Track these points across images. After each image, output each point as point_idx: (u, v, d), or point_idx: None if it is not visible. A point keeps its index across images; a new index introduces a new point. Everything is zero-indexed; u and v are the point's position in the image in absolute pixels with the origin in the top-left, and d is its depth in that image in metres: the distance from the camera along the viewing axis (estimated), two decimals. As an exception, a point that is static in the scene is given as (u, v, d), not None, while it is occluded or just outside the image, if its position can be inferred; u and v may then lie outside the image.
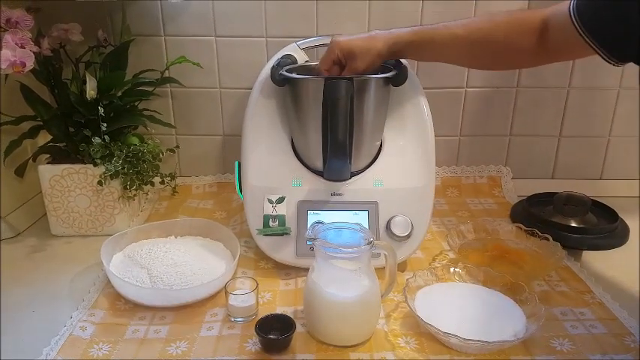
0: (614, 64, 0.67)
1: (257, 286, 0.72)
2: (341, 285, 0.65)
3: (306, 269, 0.81)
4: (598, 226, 0.94)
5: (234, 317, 0.71)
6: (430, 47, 0.78)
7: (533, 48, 0.73)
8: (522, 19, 0.74)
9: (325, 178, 0.84)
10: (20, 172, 0.95)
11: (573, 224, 0.93)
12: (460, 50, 0.78)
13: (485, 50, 0.77)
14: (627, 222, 0.96)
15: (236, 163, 0.89)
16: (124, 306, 0.75)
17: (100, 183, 0.90)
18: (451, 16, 1.01)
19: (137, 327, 0.70)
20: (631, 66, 0.67)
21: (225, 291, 0.71)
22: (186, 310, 0.74)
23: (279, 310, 0.73)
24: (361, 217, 0.83)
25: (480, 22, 0.78)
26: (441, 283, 0.76)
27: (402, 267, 0.84)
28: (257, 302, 0.72)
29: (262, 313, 0.70)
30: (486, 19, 0.77)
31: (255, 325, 0.65)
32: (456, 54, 0.80)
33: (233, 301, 0.71)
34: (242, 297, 0.71)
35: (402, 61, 0.85)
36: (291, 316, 0.68)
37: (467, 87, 1.09)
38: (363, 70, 0.78)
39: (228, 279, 0.76)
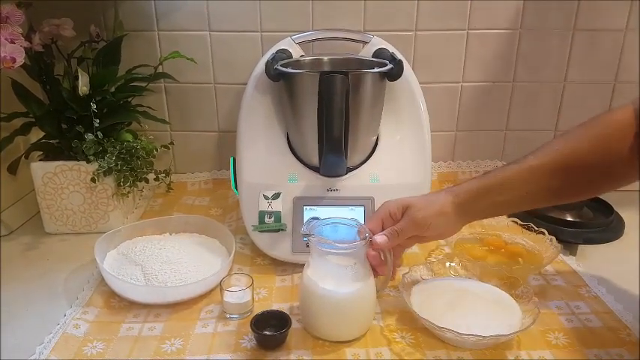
0: None
1: (252, 283, 0.71)
2: (336, 281, 0.65)
3: (302, 265, 0.81)
4: (594, 220, 0.94)
5: (230, 314, 0.71)
6: (500, 190, 0.65)
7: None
8: (610, 122, 0.61)
9: (321, 174, 0.84)
10: (13, 169, 0.94)
11: (569, 218, 0.93)
12: (539, 184, 0.63)
13: (573, 173, 0.62)
14: (622, 216, 0.96)
15: (231, 159, 0.88)
16: (118, 304, 0.74)
17: (93, 180, 0.90)
18: (447, 13, 1.02)
19: (131, 325, 0.70)
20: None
21: (220, 288, 0.71)
22: (181, 307, 0.73)
23: (274, 307, 0.72)
24: (357, 213, 0.83)
25: (556, 144, 0.64)
26: (437, 278, 0.75)
27: (398, 262, 0.83)
28: (252, 299, 0.72)
29: (258, 309, 0.69)
30: (561, 139, 0.64)
31: (251, 322, 0.65)
32: (534, 190, 0.64)
33: (228, 297, 0.70)
34: (237, 293, 0.70)
35: (398, 55, 0.84)
36: (287, 313, 0.67)
37: (463, 82, 1.08)
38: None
39: (223, 276, 0.76)
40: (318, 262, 0.67)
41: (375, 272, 0.68)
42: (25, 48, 0.79)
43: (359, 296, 0.65)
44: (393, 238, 0.66)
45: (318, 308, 0.65)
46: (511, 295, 0.71)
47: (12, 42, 0.77)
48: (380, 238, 0.66)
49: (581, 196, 0.68)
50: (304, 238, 0.77)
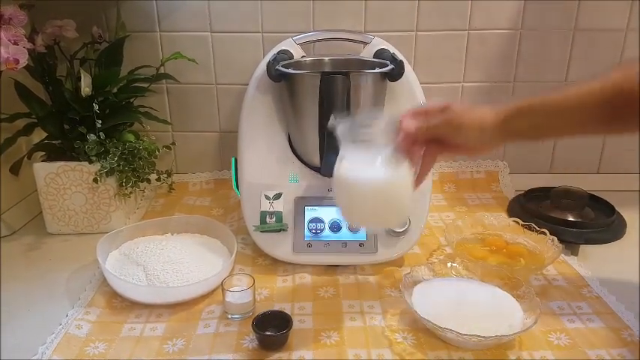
0: None
1: (254, 283, 0.71)
2: (373, 166, 0.62)
3: (303, 265, 0.82)
4: (595, 220, 0.94)
5: (231, 314, 0.71)
6: (545, 111, 0.61)
7: None
8: None
9: (322, 174, 0.84)
10: (15, 170, 0.95)
11: (570, 218, 0.93)
12: (588, 111, 0.59)
13: (626, 101, 0.57)
14: (624, 216, 0.96)
15: (232, 159, 0.88)
16: (120, 304, 0.74)
17: (95, 180, 0.90)
18: (448, 14, 1.02)
19: (133, 325, 0.70)
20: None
21: (221, 288, 0.71)
22: (183, 308, 0.73)
23: (276, 307, 0.72)
24: (358, 213, 0.83)
25: (612, 72, 0.59)
26: (439, 279, 0.75)
27: (399, 262, 0.84)
28: (254, 299, 0.72)
29: (259, 309, 0.69)
30: (616, 68, 0.59)
31: (252, 322, 0.65)
32: (582, 117, 0.60)
33: (230, 298, 0.70)
34: (239, 294, 0.70)
35: (399, 55, 0.84)
36: (289, 313, 0.67)
37: (464, 82, 1.08)
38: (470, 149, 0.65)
39: (224, 276, 0.76)
40: (352, 152, 0.63)
41: None
42: (28, 49, 0.80)
43: (399, 177, 0.62)
44: (422, 126, 0.62)
45: (361, 197, 0.62)
46: (512, 296, 0.71)
47: (15, 43, 0.77)
48: (407, 121, 0.62)
49: (631, 129, 0.59)
50: (332, 125, 0.67)
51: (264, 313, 0.67)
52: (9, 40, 0.77)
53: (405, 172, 0.63)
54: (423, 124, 0.62)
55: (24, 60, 0.78)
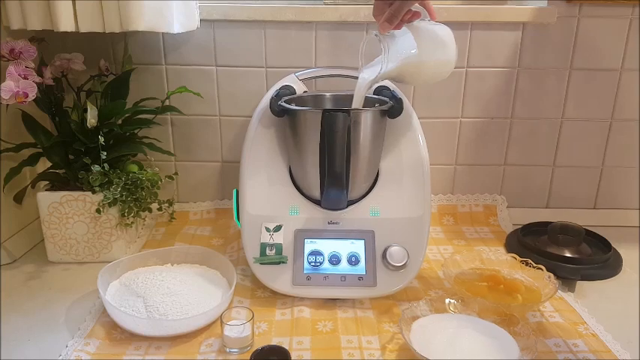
0: None
1: (253, 317, 0.72)
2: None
3: (302, 299, 0.82)
4: (592, 256, 0.95)
5: (230, 348, 0.71)
6: None
7: None
8: None
9: (322, 207, 0.85)
10: (19, 198, 0.96)
11: (567, 254, 0.94)
12: None
13: None
14: (620, 252, 0.97)
15: (234, 191, 0.90)
16: (119, 335, 0.75)
17: (98, 211, 0.91)
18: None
19: (132, 357, 0.70)
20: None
21: (220, 321, 0.71)
22: (182, 340, 0.74)
23: (274, 341, 0.73)
24: (358, 246, 0.84)
25: None
26: (437, 314, 0.76)
27: (398, 296, 0.84)
28: (252, 333, 0.72)
29: (258, 344, 0.70)
30: None
31: (251, 357, 0.65)
32: None
33: (228, 331, 0.71)
34: (237, 328, 0.71)
35: (398, 93, 0.87)
36: (287, 348, 0.68)
37: (462, 117, 1.11)
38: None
39: (223, 309, 0.76)
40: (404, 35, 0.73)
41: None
42: (36, 83, 0.82)
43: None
44: (392, 17, 0.70)
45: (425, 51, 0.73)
46: (509, 333, 0.71)
47: (25, 78, 0.79)
48: (382, 28, 0.72)
49: None
50: (376, 35, 0.76)
51: (263, 348, 0.67)
52: (19, 75, 0.79)
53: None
54: (394, 20, 0.71)
55: (33, 94, 0.80)
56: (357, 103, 0.80)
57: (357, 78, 0.93)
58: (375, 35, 0.74)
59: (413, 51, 0.73)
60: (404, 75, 0.76)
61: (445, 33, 0.75)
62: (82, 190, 0.92)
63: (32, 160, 0.93)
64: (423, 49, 0.73)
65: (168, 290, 0.79)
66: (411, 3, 0.70)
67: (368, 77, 0.77)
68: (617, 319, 0.79)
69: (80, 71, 0.95)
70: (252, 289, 0.87)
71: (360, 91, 0.79)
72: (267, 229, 0.85)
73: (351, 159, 0.80)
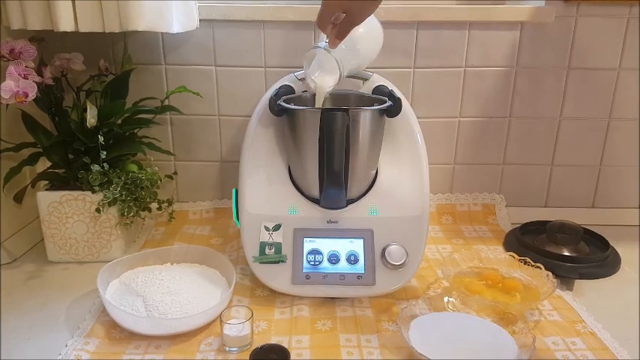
0: None
1: (252, 316, 0.72)
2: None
3: (301, 298, 0.82)
4: (590, 255, 0.95)
5: (229, 347, 0.71)
6: None
7: None
8: None
9: (321, 206, 0.86)
10: (19, 198, 0.96)
11: (566, 253, 0.94)
12: None
13: None
14: (618, 250, 0.98)
15: (233, 190, 0.90)
16: (119, 334, 0.75)
17: (98, 210, 0.91)
18: (445, 51, 1.06)
19: (132, 356, 0.70)
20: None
21: (220, 320, 0.72)
22: (182, 339, 0.74)
23: (274, 340, 0.73)
24: (357, 245, 0.84)
25: None
26: (435, 313, 0.76)
27: (397, 295, 0.84)
28: (252, 332, 0.72)
29: (257, 342, 0.70)
30: None
31: (250, 356, 0.65)
32: None
33: (228, 330, 0.71)
34: (237, 326, 0.71)
35: (397, 92, 0.87)
36: (286, 346, 0.68)
37: (460, 117, 1.11)
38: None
39: (223, 308, 0.77)
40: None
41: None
42: (36, 82, 0.82)
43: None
44: (340, 34, 0.72)
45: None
46: (508, 331, 0.71)
47: (25, 77, 0.79)
48: (332, 44, 0.75)
49: None
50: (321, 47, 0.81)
51: (262, 346, 0.68)
52: (19, 75, 0.79)
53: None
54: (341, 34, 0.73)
55: (33, 94, 0.80)
56: (319, 103, 0.85)
57: (356, 78, 0.94)
58: (326, 50, 0.79)
59: (358, 47, 0.83)
60: (353, 70, 0.86)
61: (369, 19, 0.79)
62: (81, 189, 0.92)
63: (32, 160, 0.94)
64: (363, 45, 0.85)
65: (168, 289, 0.79)
66: (361, 20, 0.71)
67: (331, 84, 0.83)
68: (615, 318, 0.79)
69: (80, 71, 0.95)
70: (251, 288, 0.88)
71: (322, 95, 0.85)
72: (267, 228, 0.85)
73: (349, 158, 0.81)
